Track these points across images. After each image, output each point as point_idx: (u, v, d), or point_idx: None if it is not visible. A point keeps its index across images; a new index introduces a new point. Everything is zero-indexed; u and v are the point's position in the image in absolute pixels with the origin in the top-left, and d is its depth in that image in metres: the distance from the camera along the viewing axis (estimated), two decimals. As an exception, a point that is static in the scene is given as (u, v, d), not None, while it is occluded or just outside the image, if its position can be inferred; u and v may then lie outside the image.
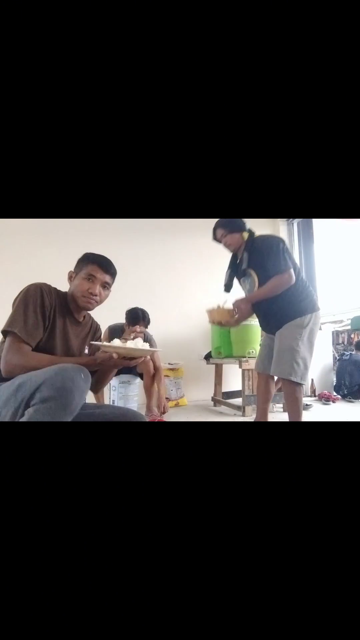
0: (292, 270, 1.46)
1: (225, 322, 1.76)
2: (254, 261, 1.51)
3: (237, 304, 1.61)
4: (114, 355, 0.95)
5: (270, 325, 1.61)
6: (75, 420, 0.84)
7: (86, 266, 1.07)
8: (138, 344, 1.01)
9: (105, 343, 0.99)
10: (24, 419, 0.78)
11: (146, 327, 2.19)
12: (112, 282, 1.12)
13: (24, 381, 0.83)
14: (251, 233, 1.58)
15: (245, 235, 1.56)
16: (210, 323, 1.90)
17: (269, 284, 1.46)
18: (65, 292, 1.10)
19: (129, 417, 1.08)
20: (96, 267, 1.07)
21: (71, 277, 1.10)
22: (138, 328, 1.35)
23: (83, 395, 0.84)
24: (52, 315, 1.01)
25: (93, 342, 1.09)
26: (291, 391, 1.49)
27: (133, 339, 1.05)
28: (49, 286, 1.05)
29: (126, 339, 1.07)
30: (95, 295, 1.07)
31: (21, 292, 1.00)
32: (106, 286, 1.10)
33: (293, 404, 1.50)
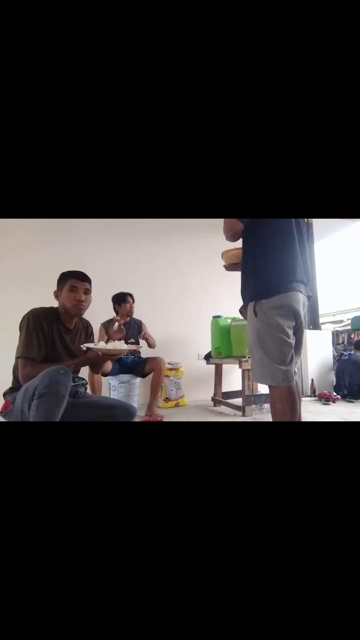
0: (237, 221, 1.21)
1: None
2: None
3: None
4: (99, 354, 1.34)
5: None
6: (74, 405, 1.26)
7: (66, 281, 1.36)
8: (117, 345, 1.40)
9: (92, 345, 1.36)
10: (32, 409, 1.13)
11: (132, 301, 2.46)
12: (91, 288, 1.42)
13: (27, 387, 1.19)
14: None
15: None
16: (225, 267, 1.55)
17: None
18: (55, 308, 1.38)
19: (121, 405, 1.44)
20: (75, 280, 1.36)
21: (57, 296, 1.38)
22: (117, 328, 1.60)
23: (66, 384, 1.16)
24: (50, 332, 1.32)
25: (84, 345, 1.39)
26: (270, 395, 1.21)
27: (113, 340, 1.46)
28: (43, 310, 1.34)
29: (110, 341, 1.46)
30: (82, 301, 1.37)
31: (23, 320, 1.30)
32: (87, 292, 1.40)
33: (272, 410, 1.20)
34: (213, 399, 2.84)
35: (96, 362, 1.43)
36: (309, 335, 3.28)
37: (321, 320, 3.75)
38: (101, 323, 2.41)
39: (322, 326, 3.75)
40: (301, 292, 1.18)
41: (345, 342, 3.57)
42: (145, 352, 2.52)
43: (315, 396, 3.07)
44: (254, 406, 2.37)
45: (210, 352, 2.85)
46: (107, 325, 2.40)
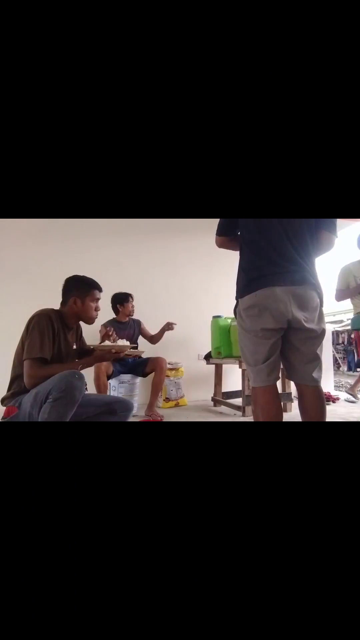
0: (216, 238, 1.29)
1: None
2: None
3: None
4: (112, 350, 1.47)
5: None
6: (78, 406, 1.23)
7: (90, 292, 1.42)
8: (120, 342, 1.55)
9: (99, 344, 1.49)
10: (43, 412, 1.16)
11: (132, 299, 2.52)
12: None
13: (38, 391, 1.21)
14: None
15: None
16: None
17: None
18: (59, 310, 1.42)
19: (118, 400, 1.56)
20: (98, 291, 1.45)
21: (75, 302, 1.40)
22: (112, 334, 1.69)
23: (81, 389, 1.21)
24: (58, 333, 1.35)
25: (92, 345, 1.52)
26: None
27: (114, 340, 1.57)
28: (52, 311, 1.36)
29: (113, 341, 1.56)
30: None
31: (32, 320, 1.31)
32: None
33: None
34: (213, 399, 2.84)
35: (103, 360, 1.53)
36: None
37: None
38: (102, 324, 2.42)
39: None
40: (281, 285, 1.07)
41: (345, 342, 3.57)
42: (145, 351, 2.52)
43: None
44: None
45: (210, 352, 2.85)
46: (107, 325, 2.43)
